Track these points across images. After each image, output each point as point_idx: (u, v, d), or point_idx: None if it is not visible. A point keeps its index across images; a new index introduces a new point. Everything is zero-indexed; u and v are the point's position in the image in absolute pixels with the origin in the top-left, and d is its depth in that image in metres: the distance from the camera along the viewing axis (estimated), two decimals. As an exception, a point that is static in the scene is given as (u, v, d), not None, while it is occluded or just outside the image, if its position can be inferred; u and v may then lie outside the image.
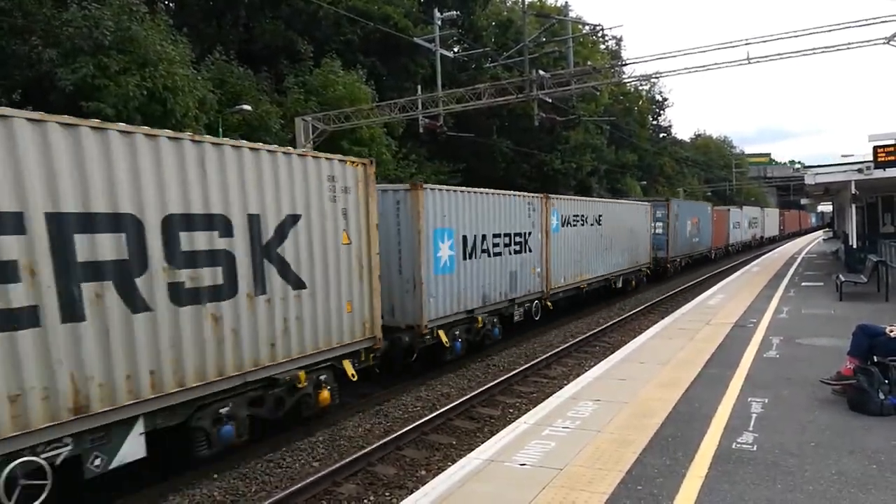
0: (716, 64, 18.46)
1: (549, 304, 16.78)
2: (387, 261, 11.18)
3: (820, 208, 70.32)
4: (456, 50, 32.58)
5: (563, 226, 17.81)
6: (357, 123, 23.85)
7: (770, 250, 42.86)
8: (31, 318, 5.61)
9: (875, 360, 6.80)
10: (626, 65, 38.68)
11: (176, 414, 6.96)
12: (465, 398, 10.34)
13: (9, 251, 5.47)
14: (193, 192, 7.03)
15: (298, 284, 8.48)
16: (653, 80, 59.38)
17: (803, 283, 18.42)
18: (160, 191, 6.66)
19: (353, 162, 9.57)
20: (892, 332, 6.81)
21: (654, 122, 69.59)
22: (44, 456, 5.72)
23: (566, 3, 34.60)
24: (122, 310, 6.32)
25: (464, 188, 13.53)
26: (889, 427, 5.99)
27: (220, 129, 19.55)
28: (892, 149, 15.00)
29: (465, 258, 13.02)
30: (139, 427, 6.52)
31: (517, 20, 35.58)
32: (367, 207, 9.75)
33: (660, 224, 28.08)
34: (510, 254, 14.80)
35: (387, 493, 7.22)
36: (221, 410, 7.45)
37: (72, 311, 5.90)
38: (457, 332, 12.75)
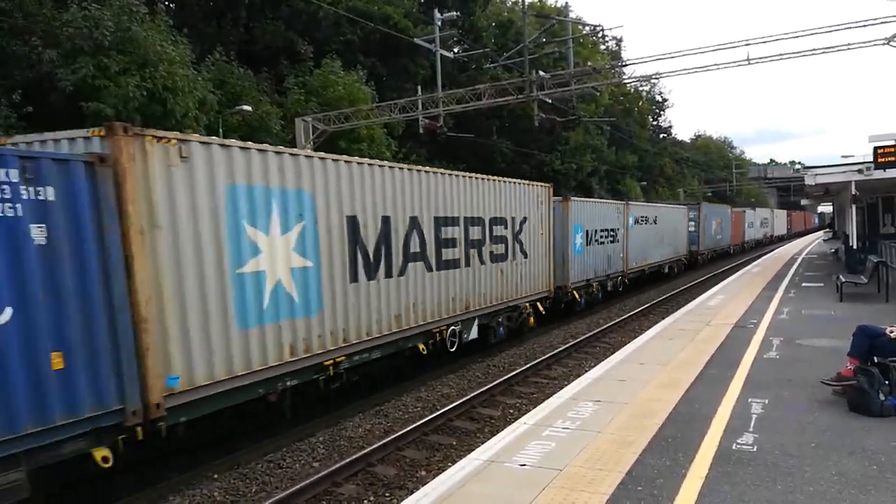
0: (716, 64, 18.48)
1: (626, 280, 23.55)
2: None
3: (821, 209, 70.78)
4: (456, 50, 32.57)
5: (635, 224, 24.38)
6: (357, 124, 23.86)
7: (772, 250, 43.07)
8: (457, 264, 12.36)
9: (875, 360, 6.80)
10: (625, 65, 38.74)
11: (487, 318, 13.70)
12: (465, 399, 10.35)
13: (454, 234, 12.24)
14: (497, 205, 13.87)
15: (525, 255, 15.21)
16: (653, 80, 59.40)
17: (803, 284, 18.42)
18: (487, 205, 13.46)
19: (545, 186, 16.46)
20: (892, 332, 6.81)
21: (654, 123, 69.57)
22: (454, 328, 12.33)
23: (566, 3, 34.61)
24: (478, 263, 13.10)
25: (587, 199, 21.69)
26: (889, 428, 5.99)
27: (221, 130, 19.55)
28: (892, 149, 15.00)
29: (587, 245, 19.73)
30: (475, 322, 13.26)
31: (517, 21, 35.58)
32: (549, 212, 16.52)
33: (692, 223, 33.40)
34: (608, 243, 21.50)
35: (387, 494, 7.22)
36: (499, 319, 14.22)
37: (466, 262, 12.66)
38: (581, 293, 19.37)
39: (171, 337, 6.74)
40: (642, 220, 25.16)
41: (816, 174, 17.47)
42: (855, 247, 18.30)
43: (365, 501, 7.08)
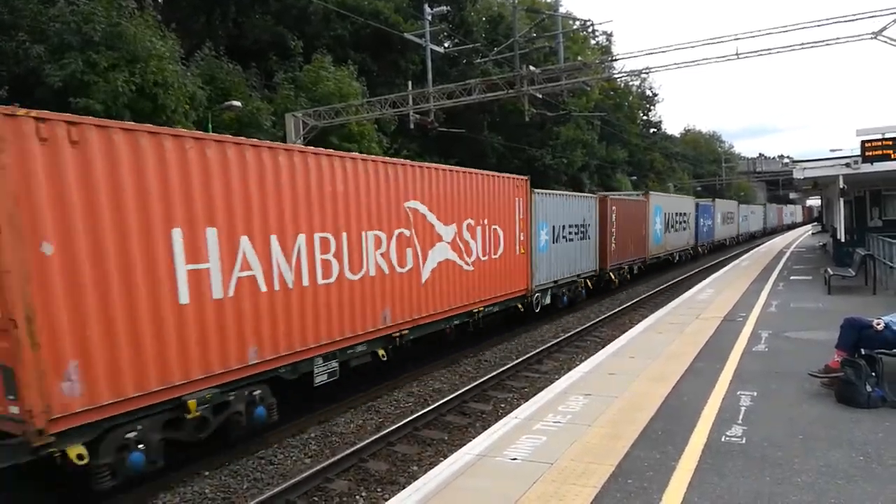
0: (705, 59, 18.62)
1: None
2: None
3: (810, 203, 74.88)
4: (446, 45, 32.50)
5: (751, 214, 57.10)
6: (348, 119, 23.77)
7: (762, 243, 43.58)
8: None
9: (862, 352, 6.87)
10: (615, 60, 38.68)
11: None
12: (456, 393, 10.36)
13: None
14: None
15: None
16: (643, 75, 59.40)
17: (792, 277, 18.55)
18: None
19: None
20: (879, 325, 6.87)
21: (645, 118, 69.65)
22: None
23: (557, -2, 34.50)
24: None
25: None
26: (876, 419, 6.06)
27: (210, 126, 19.43)
28: (879, 143, 15.08)
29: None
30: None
31: (508, 16, 35.54)
32: None
33: (762, 214, 65.49)
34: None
35: (379, 489, 7.23)
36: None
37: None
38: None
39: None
40: (751, 213, 57.02)
41: (805, 168, 17.54)
42: (843, 240, 18.43)
43: (357, 497, 7.09)
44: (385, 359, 10.43)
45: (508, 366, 12.23)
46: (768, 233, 65.95)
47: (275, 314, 8.12)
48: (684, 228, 33.00)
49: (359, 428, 9.25)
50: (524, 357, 12.96)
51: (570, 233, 18.74)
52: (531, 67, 21.02)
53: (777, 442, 5.57)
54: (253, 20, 27.61)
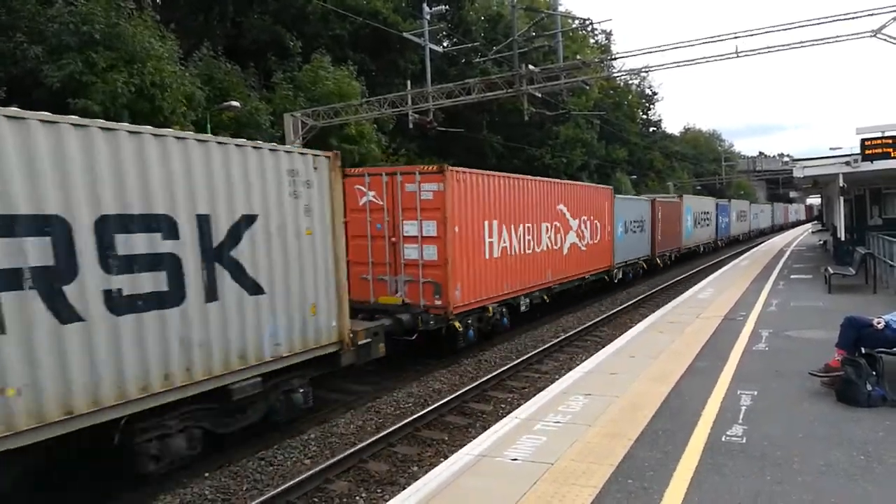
0: (705, 58, 18.52)
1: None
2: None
3: (810, 201, 75.64)
4: (445, 45, 32.49)
5: (760, 212, 63.78)
6: (346, 119, 23.73)
7: (761, 242, 43.61)
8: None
9: (863, 351, 6.86)
10: (615, 59, 38.70)
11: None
12: (457, 394, 10.34)
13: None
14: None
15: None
16: (642, 74, 59.34)
17: (792, 276, 18.54)
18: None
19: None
20: (879, 323, 6.86)
21: (644, 117, 69.55)
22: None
23: (556, -4, 34.48)
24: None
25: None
26: (876, 418, 6.04)
27: (209, 126, 19.41)
28: (879, 141, 15.06)
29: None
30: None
31: (507, 15, 35.51)
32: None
33: (769, 212, 70.90)
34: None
35: (379, 490, 7.21)
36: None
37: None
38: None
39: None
40: (760, 212, 63.18)
41: (805, 166, 17.51)
42: (843, 239, 18.41)
43: (357, 498, 7.07)
44: (547, 301, 16.91)
45: (509, 366, 12.21)
46: (776, 229, 71.15)
47: (510, 268, 14.67)
48: (707, 225, 38.83)
49: (359, 429, 9.23)
50: (524, 357, 12.94)
51: (634, 226, 24.89)
52: (530, 66, 21.00)
53: (777, 441, 5.56)
54: (251, 20, 27.58)
